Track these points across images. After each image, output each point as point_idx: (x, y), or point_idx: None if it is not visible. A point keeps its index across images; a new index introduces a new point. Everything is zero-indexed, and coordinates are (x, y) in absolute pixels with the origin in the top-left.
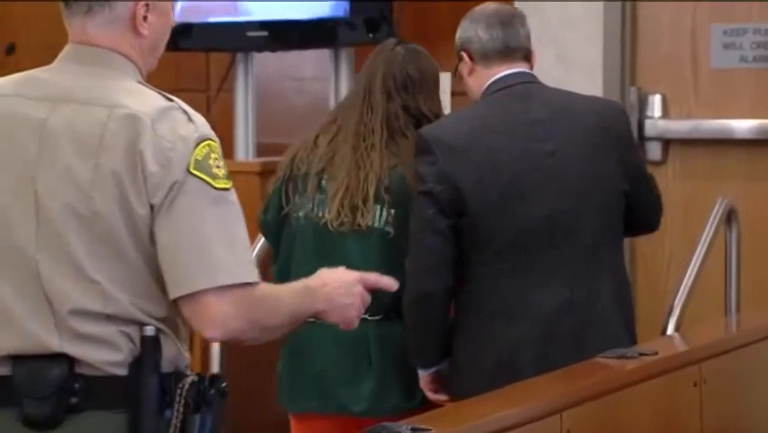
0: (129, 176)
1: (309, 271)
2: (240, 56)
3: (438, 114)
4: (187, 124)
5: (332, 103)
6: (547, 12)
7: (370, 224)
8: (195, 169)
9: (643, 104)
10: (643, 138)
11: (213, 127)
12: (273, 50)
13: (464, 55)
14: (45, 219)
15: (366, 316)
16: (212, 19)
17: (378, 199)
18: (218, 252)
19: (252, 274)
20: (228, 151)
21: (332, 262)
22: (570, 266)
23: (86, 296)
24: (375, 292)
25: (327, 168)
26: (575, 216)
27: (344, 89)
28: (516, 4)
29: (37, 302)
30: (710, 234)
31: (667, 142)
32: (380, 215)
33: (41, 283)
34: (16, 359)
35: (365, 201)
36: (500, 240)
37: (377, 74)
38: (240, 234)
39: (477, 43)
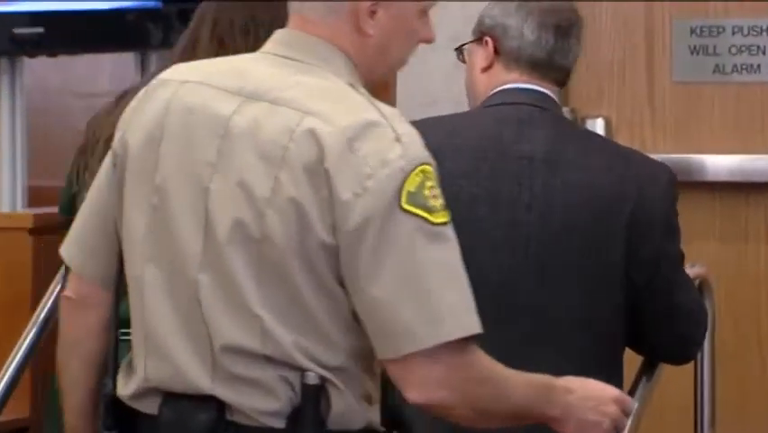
0: (310, 198)
1: None
2: (4, 62)
3: None
4: (393, 145)
5: None
6: (450, 9)
7: None
8: (408, 204)
9: None
10: None
11: None
12: (52, 55)
13: (489, 42)
14: (212, 236)
15: None
16: None
17: None
18: (445, 298)
19: (477, 324)
20: None
21: None
22: (528, 353)
23: (244, 331)
24: None
25: None
26: (544, 292)
27: None
28: None
29: (195, 332)
30: None
31: None
32: None
33: (202, 311)
34: (166, 396)
35: None
36: None
37: (205, 20)
38: (465, 275)
39: (515, 39)
